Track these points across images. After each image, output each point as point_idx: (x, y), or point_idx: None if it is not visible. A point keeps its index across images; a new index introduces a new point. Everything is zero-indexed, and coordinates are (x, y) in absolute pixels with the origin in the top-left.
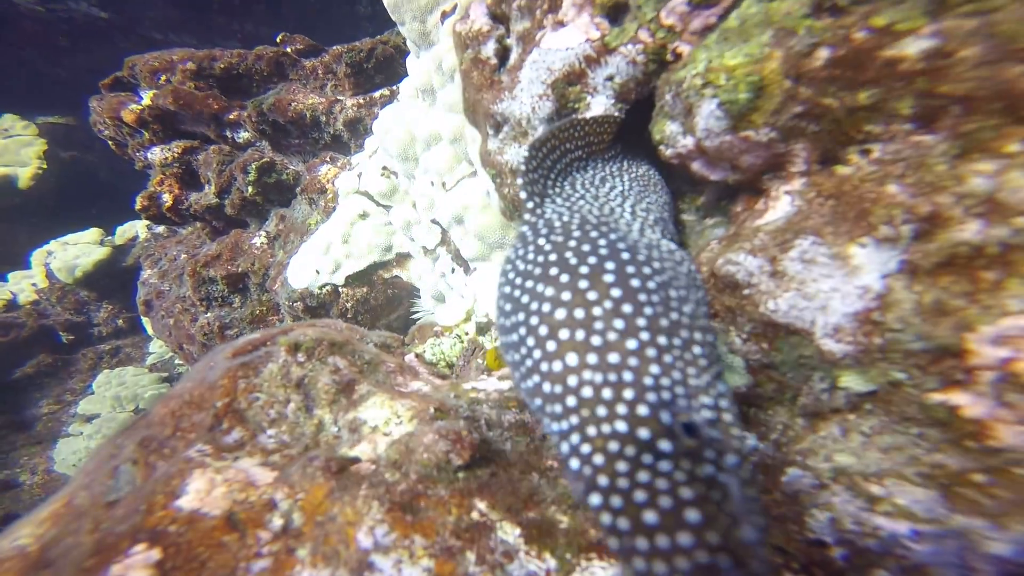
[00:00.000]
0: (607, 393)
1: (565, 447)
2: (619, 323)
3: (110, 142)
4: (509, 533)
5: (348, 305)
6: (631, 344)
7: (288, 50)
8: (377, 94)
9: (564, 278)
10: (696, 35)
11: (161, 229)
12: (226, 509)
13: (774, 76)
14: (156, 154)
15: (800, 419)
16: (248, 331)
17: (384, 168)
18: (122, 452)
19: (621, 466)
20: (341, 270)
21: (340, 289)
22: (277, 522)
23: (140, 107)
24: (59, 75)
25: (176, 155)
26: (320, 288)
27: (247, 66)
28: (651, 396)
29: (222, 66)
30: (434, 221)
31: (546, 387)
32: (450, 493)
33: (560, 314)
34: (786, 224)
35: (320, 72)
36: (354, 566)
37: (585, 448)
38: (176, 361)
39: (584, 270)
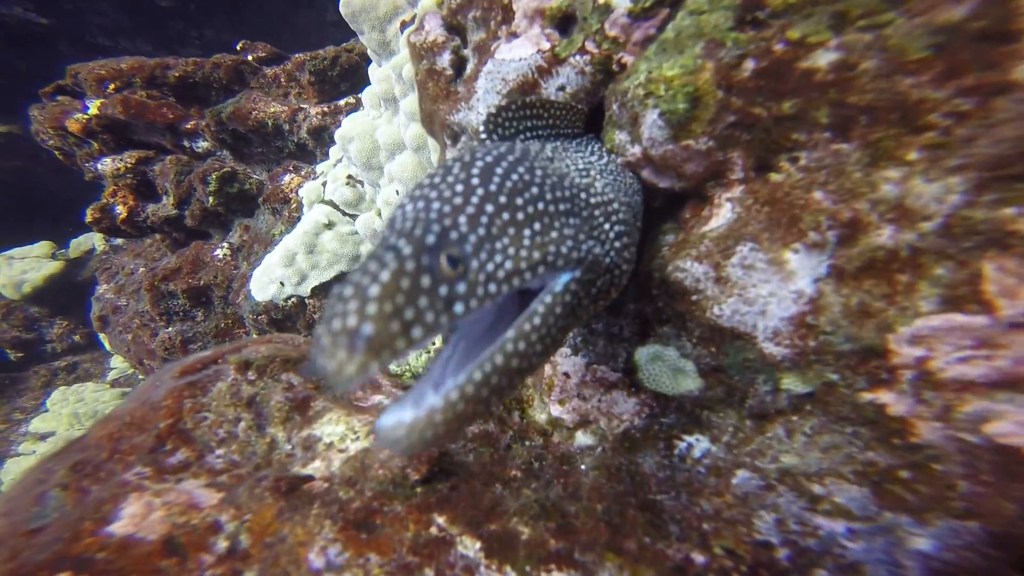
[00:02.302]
0: (409, 217)
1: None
2: (461, 183)
3: (56, 152)
4: (469, 547)
5: (316, 317)
6: (458, 188)
7: (249, 58)
8: (342, 102)
9: (457, 166)
10: (638, 46)
11: (120, 241)
12: (164, 533)
13: (708, 87)
14: (107, 165)
15: (748, 421)
16: (213, 345)
17: (349, 177)
18: (52, 477)
19: (373, 259)
20: (307, 281)
21: (306, 300)
22: (222, 544)
23: (86, 116)
24: None
25: (129, 165)
26: (285, 300)
27: (204, 74)
28: (435, 226)
29: (177, 74)
30: None
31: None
32: (407, 509)
33: (435, 177)
34: (728, 231)
35: (283, 80)
36: None
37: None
38: (139, 376)
39: (473, 162)
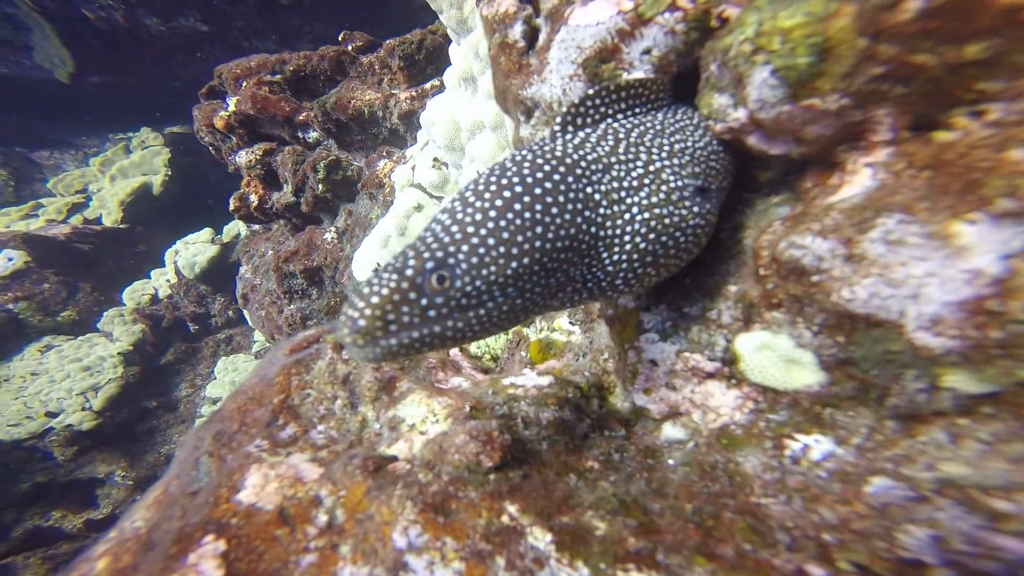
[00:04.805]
0: (429, 237)
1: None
2: (479, 214)
3: (210, 148)
4: (540, 539)
5: None
6: (477, 217)
7: (349, 48)
8: (428, 85)
9: (492, 181)
10: None
11: (257, 227)
12: (278, 504)
13: (844, 35)
14: (242, 157)
15: (891, 422)
16: (326, 322)
17: (435, 160)
18: (203, 444)
19: (383, 271)
20: None
21: None
22: (322, 518)
23: (227, 114)
24: (176, 87)
25: (258, 157)
26: None
27: (312, 67)
28: (439, 253)
29: (291, 68)
30: None
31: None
32: (480, 496)
33: (468, 195)
34: (866, 200)
35: (376, 67)
36: (390, 565)
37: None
38: None
39: (500, 191)
